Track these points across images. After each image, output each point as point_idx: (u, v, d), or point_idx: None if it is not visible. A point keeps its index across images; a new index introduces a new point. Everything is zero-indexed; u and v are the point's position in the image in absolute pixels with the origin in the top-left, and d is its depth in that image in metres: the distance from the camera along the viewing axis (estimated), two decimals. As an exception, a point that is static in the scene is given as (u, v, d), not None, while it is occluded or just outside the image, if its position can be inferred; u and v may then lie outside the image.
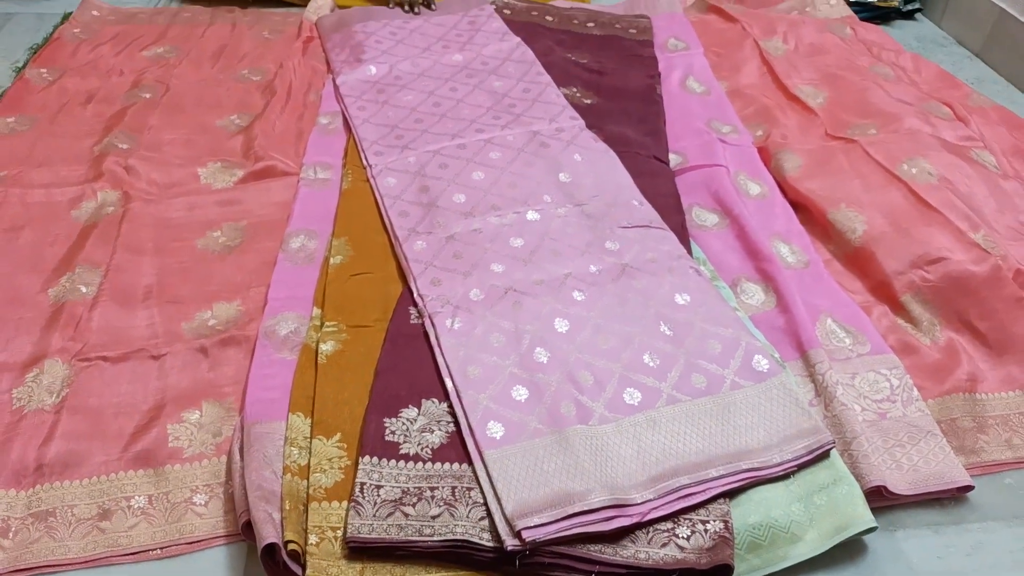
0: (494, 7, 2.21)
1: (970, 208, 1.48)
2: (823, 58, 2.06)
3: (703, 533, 0.97)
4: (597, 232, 1.41)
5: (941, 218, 1.44)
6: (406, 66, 1.93)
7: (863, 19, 2.35)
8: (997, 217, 1.49)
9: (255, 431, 1.08)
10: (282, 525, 0.96)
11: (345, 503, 1.00)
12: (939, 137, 1.69)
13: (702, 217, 1.51)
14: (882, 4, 2.44)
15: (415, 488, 1.01)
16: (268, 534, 0.94)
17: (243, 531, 1.00)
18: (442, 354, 1.17)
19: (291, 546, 0.94)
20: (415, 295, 1.28)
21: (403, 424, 1.08)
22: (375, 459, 1.03)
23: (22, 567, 0.99)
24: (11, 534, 1.02)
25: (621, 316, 1.24)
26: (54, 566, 1.00)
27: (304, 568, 0.94)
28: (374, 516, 0.97)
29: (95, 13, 2.23)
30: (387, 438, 1.06)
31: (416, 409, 1.11)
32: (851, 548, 1.03)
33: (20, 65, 1.99)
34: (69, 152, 1.66)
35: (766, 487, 1.04)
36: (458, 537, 0.96)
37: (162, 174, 1.60)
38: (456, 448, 1.06)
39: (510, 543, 0.94)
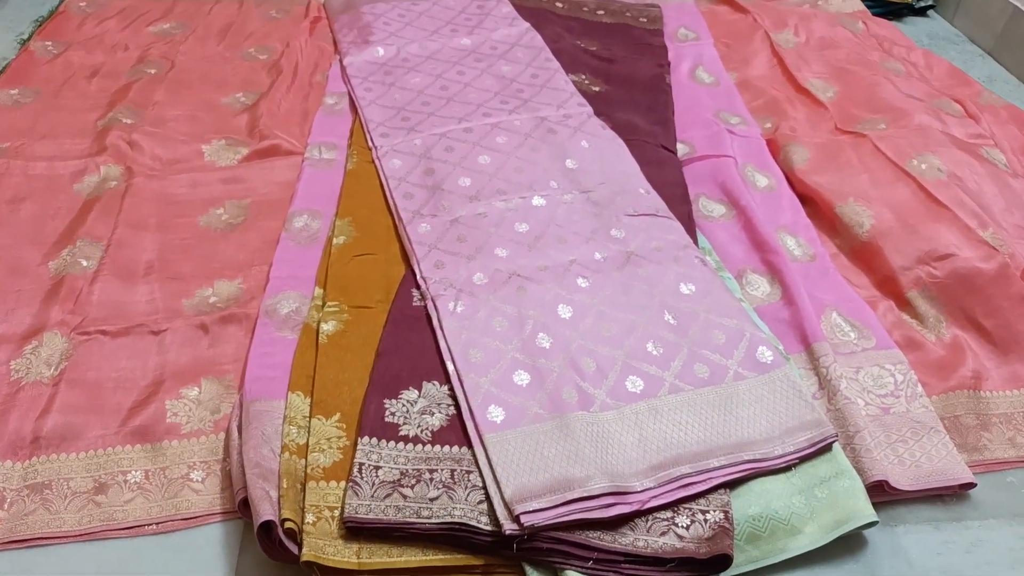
0: (504, -8, 2.19)
1: (979, 205, 1.46)
2: (834, 52, 2.04)
3: (703, 523, 0.97)
4: (603, 219, 1.39)
5: (949, 215, 1.43)
6: (414, 48, 1.91)
7: (875, 15, 2.33)
8: (1006, 215, 1.48)
9: (254, 409, 1.08)
10: (279, 503, 0.96)
11: (343, 483, 1.00)
12: (949, 134, 1.68)
13: (709, 207, 1.50)
14: (894, 0, 2.41)
15: (414, 470, 1.00)
16: (265, 511, 0.93)
17: (240, 508, 1.00)
18: (444, 337, 1.16)
19: (288, 524, 0.94)
20: (418, 277, 1.27)
21: (403, 406, 1.08)
22: (374, 440, 1.03)
23: (17, 538, 0.99)
24: (6, 505, 1.02)
25: (625, 304, 1.23)
26: (49, 538, 1.00)
27: (300, 547, 0.93)
28: (372, 497, 0.97)
29: (102, -13, 2.21)
30: (387, 419, 1.05)
31: (417, 391, 1.10)
32: (851, 542, 1.02)
33: (25, 37, 1.98)
34: (73, 125, 1.65)
35: (767, 479, 1.03)
36: (456, 520, 0.95)
37: (166, 150, 1.59)
38: (456, 431, 1.06)
39: (508, 527, 0.93)
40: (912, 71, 2.00)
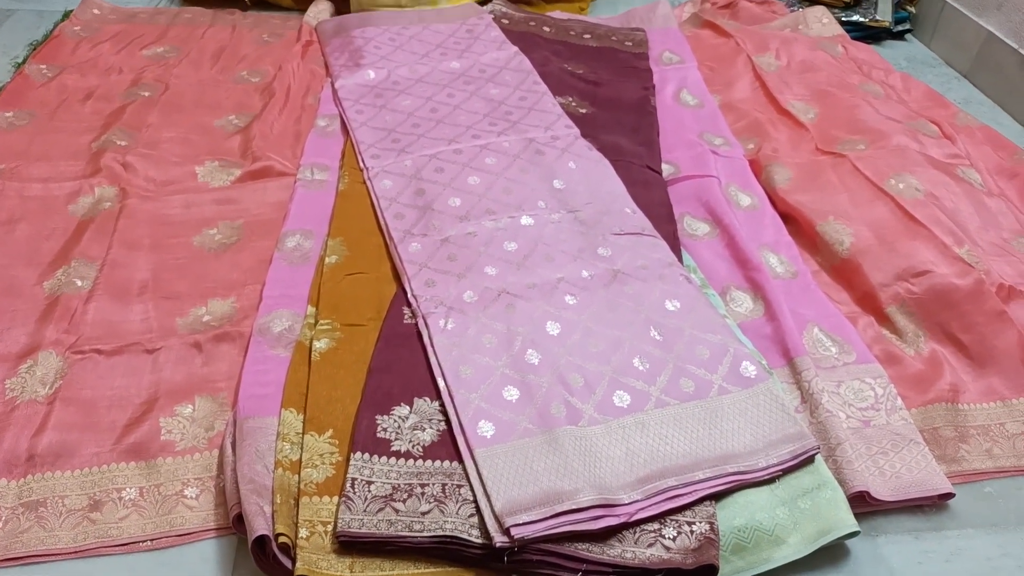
0: (492, 17, 2.23)
1: (955, 224, 1.51)
2: (814, 75, 2.10)
3: (689, 534, 0.99)
4: (590, 238, 1.43)
5: (926, 232, 1.47)
6: (404, 72, 1.95)
7: (854, 38, 2.39)
8: (981, 233, 1.52)
9: (248, 426, 1.09)
10: (273, 518, 0.97)
11: (336, 498, 1.01)
12: (926, 154, 1.73)
13: (693, 226, 1.54)
14: (873, 24, 2.48)
15: (405, 484, 1.02)
16: (259, 526, 0.95)
17: (234, 524, 1.01)
18: (435, 354, 1.18)
19: (281, 539, 0.95)
20: (409, 295, 1.30)
21: (395, 421, 1.09)
22: (366, 455, 1.04)
23: (12, 556, 1.00)
24: (1, 523, 1.02)
25: (612, 321, 1.26)
26: (44, 556, 1.01)
27: (294, 561, 0.95)
28: (364, 511, 0.98)
29: (96, 12, 2.24)
30: (379, 435, 1.07)
31: (408, 407, 1.12)
32: (833, 552, 1.05)
33: (20, 61, 2.00)
34: (67, 148, 1.67)
35: (752, 490, 1.05)
36: (447, 533, 0.97)
37: (160, 171, 1.61)
38: (447, 446, 1.08)
39: (499, 540, 0.95)
40: (891, 93, 2.06)
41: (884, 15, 2.48)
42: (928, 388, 1.26)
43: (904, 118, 1.89)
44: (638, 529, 0.99)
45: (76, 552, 1.01)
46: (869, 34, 2.49)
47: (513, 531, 0.95)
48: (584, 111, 1.84)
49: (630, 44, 2.17)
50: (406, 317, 1.27)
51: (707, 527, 0.99)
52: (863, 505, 1.08)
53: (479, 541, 0.96)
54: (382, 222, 1.47)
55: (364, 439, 1.06)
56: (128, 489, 1.07)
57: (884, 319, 1.38)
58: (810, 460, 1.08)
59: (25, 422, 1.12)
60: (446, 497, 1.01)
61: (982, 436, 1.21)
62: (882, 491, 1.09)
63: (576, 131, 1.73)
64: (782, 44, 2.23)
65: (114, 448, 1.11)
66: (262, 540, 0.95)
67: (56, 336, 1.24)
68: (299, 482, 1.03)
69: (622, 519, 0.98)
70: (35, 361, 1.20)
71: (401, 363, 1.19)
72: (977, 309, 1.34)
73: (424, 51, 2.06)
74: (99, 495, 1.06)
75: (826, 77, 2.08)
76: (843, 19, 2.45)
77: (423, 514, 0.99)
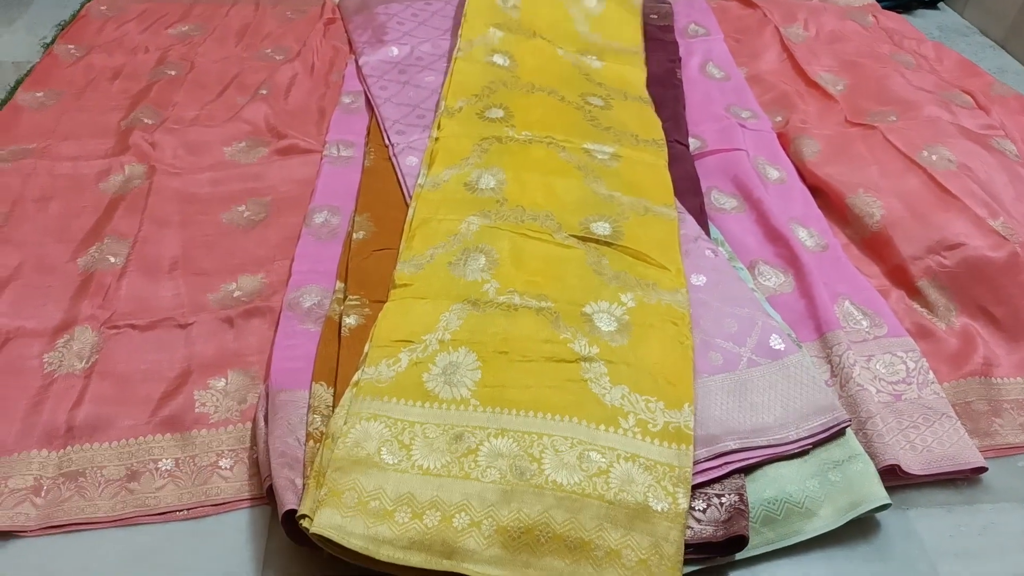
0: (515, -10, 2.20)
1: (989, 195, 1.48)
2: (843, 45, 2.06)
3: (719, 506, 0.99)
4: (616, 213, 1.42)
5: (959, 204, 1.44)
6: (428, 47, 1.94)
7: (885, 8, 2.34)
8: (1016, 205, 1.49)
9: (279, 399, 1.11)
10: (303, 492, 0.98)
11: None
12: (959, 125, 1.69)
13: (721, 200, 1.52)
14: (904, -7, 2.43)
15: None
16: (288, 501, 0.96)
17: (268, 495, 1.02)
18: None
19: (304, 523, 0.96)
20: (436, 271, 1.30)
21: None
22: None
23: (54, 523, 1.03)
24: (43, 492, 1.05)
25: (639, 295, 1.25)
26: (84, 524, 1.03)
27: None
28: None
29: (121, -9, 2.25)
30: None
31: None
32: (864, 525, 1.04)
33: (48, 41, 2.02)
34: (96, 126, 1.68)
35: (781, 463, 1.05)
36: None
37: (187, 149, 1.62)
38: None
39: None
40: (923, 63, 2.01)
41: (916, -17, 2.42)
42: (960, 362, 1.24)
43: (936, 88, 1.85)
44: (667, 501, 1.00)
45: (115, 520, 1.04)
46: (900, 3, 2.43)
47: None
48: (609, 85, 1.82)
49: (655, 16, 2.14)
50: (433, 292, 1.27)
51: (736, 498, 1.00)
52: (894, 479, 1.07)
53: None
54: (408, 198, 1.47)
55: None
56: (164, 460, 1.10)
57: (915, 293, 1.36)
58: (841, 433, 1.08)
59: (63, 395, 1.15)
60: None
61: (1016, 410, 1.19)
62: (913, 465, 1.08)
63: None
64: (810, 14, 2.19)
65: (150, 420, 1.14)
66: (292, 513, 0.96)
67: (91, 311, 1.26)
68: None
69: (652, 491, 0.99)
70: (71, 336, 1.22)
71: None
72: (1011, 282, 1.32)
73: (447, 27, 2.04)
74: (136, 466, 1.09)
75: (856, 47, 2.04)
76: (873, -12, 2.40)
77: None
